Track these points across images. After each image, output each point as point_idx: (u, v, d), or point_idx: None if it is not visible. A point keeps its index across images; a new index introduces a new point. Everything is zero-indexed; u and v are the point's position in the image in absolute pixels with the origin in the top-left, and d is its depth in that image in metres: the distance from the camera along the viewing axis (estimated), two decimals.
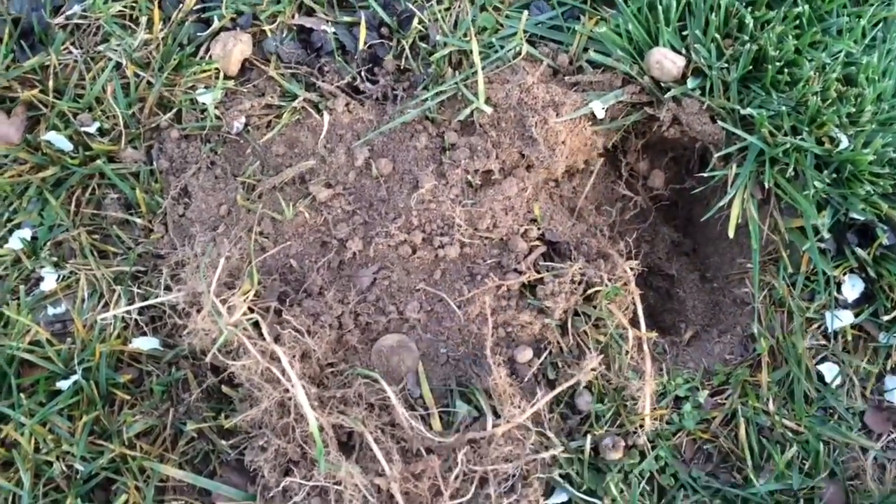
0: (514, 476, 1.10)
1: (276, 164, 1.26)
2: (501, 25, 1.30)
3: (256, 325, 1.11)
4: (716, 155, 1.20)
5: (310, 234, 1.24)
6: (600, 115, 1.21)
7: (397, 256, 1.22)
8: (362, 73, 1.30)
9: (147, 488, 1.10)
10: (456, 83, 1.25)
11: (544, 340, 1.19)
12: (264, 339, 1.09)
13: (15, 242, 1.18)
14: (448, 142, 1.25)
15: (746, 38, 1.19)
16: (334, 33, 1.30)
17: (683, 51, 1.22)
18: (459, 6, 1.32)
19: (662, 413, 1.16)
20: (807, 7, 1.22)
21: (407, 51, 1.29)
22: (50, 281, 1.18)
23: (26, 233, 1.19)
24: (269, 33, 1.31)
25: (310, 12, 1.33)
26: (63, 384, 1.13)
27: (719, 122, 1.20)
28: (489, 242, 1.22)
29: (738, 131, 1.18)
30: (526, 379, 1.16)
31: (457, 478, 1.07)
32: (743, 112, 1.18)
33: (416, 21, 1.29)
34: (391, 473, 1.05)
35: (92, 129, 1.22)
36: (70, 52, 1.27)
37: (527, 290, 1.20)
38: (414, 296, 1.21)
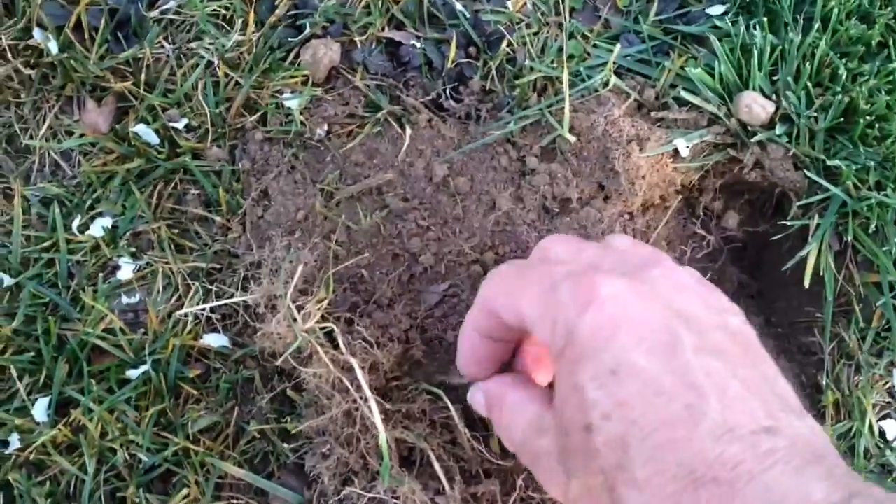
0: None
1: (355, 173, 1.27)
2: (589, 55, 1.31)
3: (328, 333, 1.12)
4: (796, 203, 1.20)
5: (383, 246, 1.25)
6: (684, 153, 1.21)
7: (468, 275, 1.23)
8: (447, 91, 1.31)
9: (207, 484, 1.11)
10: (541, 109, 1.25)
11: None
12: (336, 348, 1.10)
13: (96, 230, 1.20)
14: (528, 166, 1.25)
15: (838, 88, 1.19)
16: (423, 49, 1.31)
17: (773, 97, 1.21)
18: (548, 31, 1.33)
19: None
20: None
21: (493, 72, 1.30)
22: (127, 270, 1.20)
23: (107, 221, 1.21)
24: (358, 44, 1.32)
25: (400, 26, 1.34)
26: (132, 373, 1.14)
27: (803, 171, 1.19)
28: None
29: (823, 181, 1.17)
30: None
31: (514, 503, 1.07)
32: (828, 163, 1.18)
33: (504, 44, 1.30)
34: (451, 493, 1.05)
35: (180, 125, 1.24)
36: (163, 47, 1.29)
37: None
38: None
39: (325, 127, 1.28)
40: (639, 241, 0.93)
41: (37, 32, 1.26)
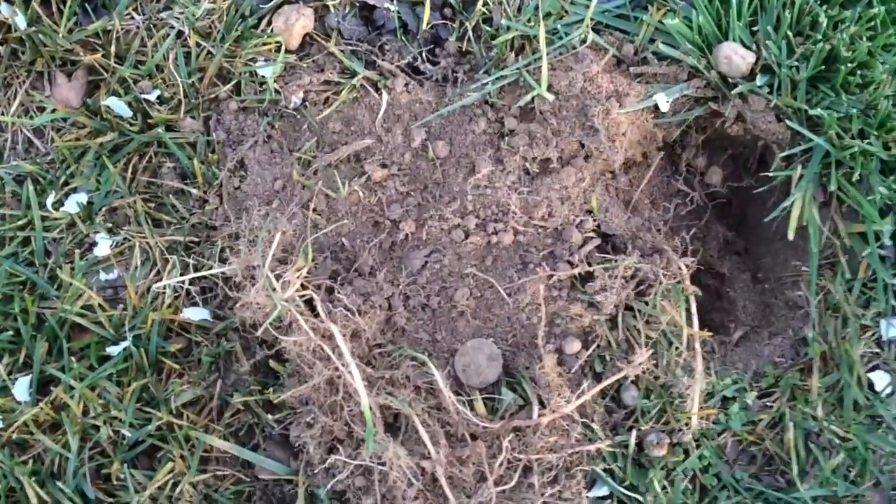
0: (557, 466, 1.10)
1: (332, 141, 1.26)
2: (566, 12, 1.28)
3: (308, 301, 1.11)
4: (779, 155, 1.18)
5: (363, 214, 1.23)
6: (664, 108, 1.19)
7: (450, 240, 1.21)
8: (423, 54, 1.28)
9: (192, 458, 1.11)
10: (518, 69, 1.23)
11: (593, 333, 1.18)
12: (317, 317, 1.09)
13: (71, 206, 1.19)
14: (507, 127, 1.23)
15: (819, 36, 1.17)
16: (397, 11, 1.28)
17: (753, 47, 1.19)
18: None
19: (709, 413, 1.15)
20: (882, 8, 1.19)
21: (470, 33, 1.27)
22: (104, 246, 1.18)
23: (82, 197, 1.20)
24: (331, 9, 1.29)
25: None
26: (113, 350, 1.14)
27: (785, 122, 1.17)
28: (543, 231, 1.21)
29: (805, 131, 1.15)
30: (573, 370, 1.16)
31: (501, 465, 1.07)
32: (811, 112, 1.16)
33: (480, 3, 1.27)
34: (437, 457, 1.05)
35: (152, 97, 1.22)
36: (132, 18, 1.27)
37: (578, 281, 1.19)
38: (464, 281, 1.20)
39: (301, 95, 1.26)
40: None
41: (3, 7, 1.24)
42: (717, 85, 1.20)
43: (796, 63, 1.17)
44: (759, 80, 1.17)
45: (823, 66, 1.16)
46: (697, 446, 1.14)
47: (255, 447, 1.15)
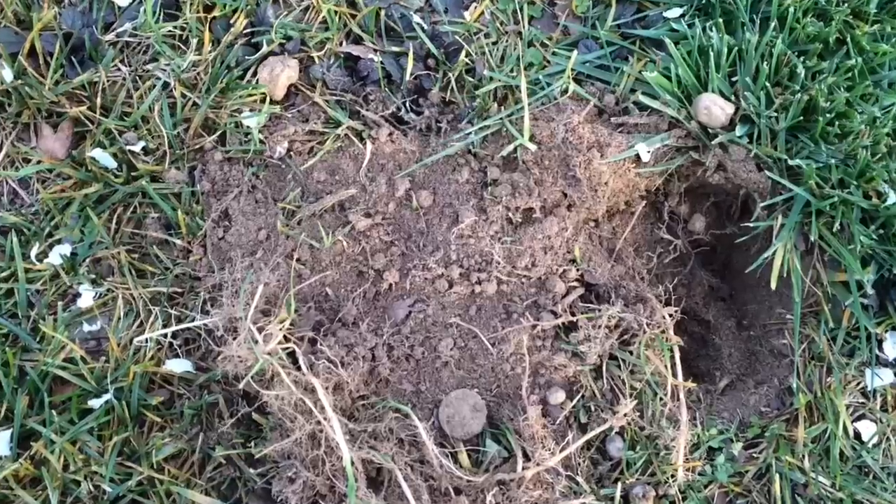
0: None
1: (317, 190, 1.26)
2: (548, 62, 1.30)
3: (291, 354, 1.11)
4: (760, 204, 1.19)
5: (347, 263, 1.23)
6: (645, 158, 1.20)
7: (434, 290, 1.21)
8: (407, 104, 1.30)
9: None
10: (501, 119, 1.24)
11: (577, 383, 1.17)
12: (299, 370, 1.08)
13: (55, 258, 1.19)
14: (490, 177, 1.24)
15: (797, 87, 1.18)
16: (381, 62, 1.30)
17: (732, 98, 1.21)
18: (507, 40, 1.32)
19: (695, 465, 1.14)
20: (859, 59, 1.21)
21: (453, 83, 1.29)
22: (87, 298, 1.18)
23: (66, 248, 1.20)
24: (316, 60, 1.31)
25: (357, 40, 1.33)
26: (95, 403, 1.13)
27: (766, 172, 1.18)
28: (527, 281, 1.21)
29: (785, 182, 1.16)
30: (557, 421, 1.15)
31: None
32: (790, 162, 1.17)
33: (463, 54, 1.29)
34: None
35: (137, 148, 1.23)
36: (119, 70, 1.28)
37: (562, 331, 1.19)
38: (448, 331, 1.20)
39: (286, 145, 1.27)
40: None
41: None
42: (698, 135, 1.21)
43: (775, 113, 1.18)
44: (739, 130, 1.19)
45: (802, 117, 1.18)
46: (684, 499, 1.14)
47: (238, 502, 1.13)
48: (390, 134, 1.27)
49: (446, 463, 1.08)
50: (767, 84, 1.19)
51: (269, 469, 1.13)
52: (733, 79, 1.22)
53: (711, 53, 1.19)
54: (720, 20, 1.22)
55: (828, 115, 1.16)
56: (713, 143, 1.19)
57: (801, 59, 1.20)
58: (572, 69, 1.24)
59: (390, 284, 1.22)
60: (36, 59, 1.27)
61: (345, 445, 1.00)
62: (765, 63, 1.19)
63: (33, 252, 1.19)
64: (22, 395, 1.11)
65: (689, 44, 1.22)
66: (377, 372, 1.17)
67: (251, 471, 1.13)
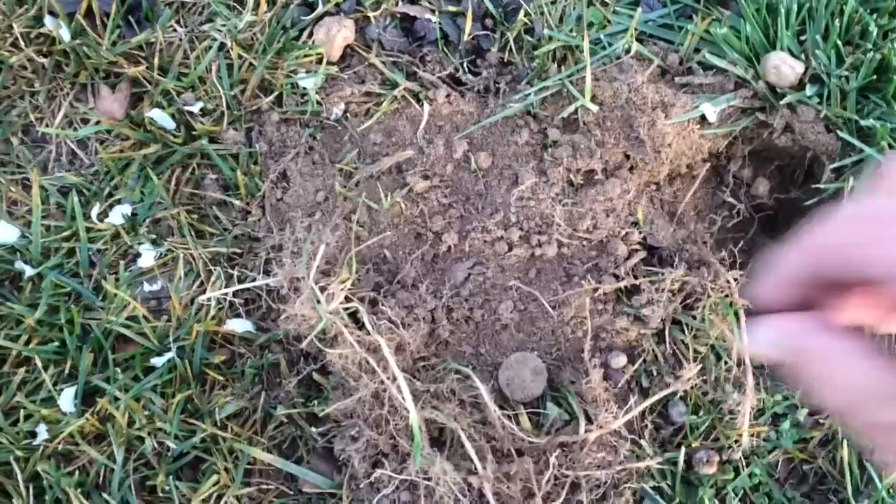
0: (605, 484, 1.08)
1: (374, 152, 1.25)
2: (609, 22, 1.27)
3: (352, 314, 1.10)
4: (829, 166, 1.16)
5: (405, 226, 1.22)
6: (711, 118, 1.17)
7: (493, 253, 1.20)
8: (465, 65, 1.28)
9: (236, 470, 1.10)
10: (561, 79, 1.22)
11: (639, 347, 1.16)
12: (361, 329, 1.08)
13: (116, 217, 1.19)
14: (550, 138, 1.22)
15: (869, 46, 1.15)
16: (438, 22, 1.28)
17: (802, 56, 1.17)
18: (566, 0, 1.30)
19: (760, 430, 1.13)
20: None
21: (511, 43, 1.27)
22: (148, 258, 1.18)
23: (126, 209, 1.20)
24: (372, 20, 1.29)
25: (414, 0, 1.31)
26: (157, 361, 1.13)
27: (835, 132, 1.15)
28: (588, 244, 1.20)
29: (856, 142, 1.13)
30: (619, 385, 1.14)
31: (548, 481, 1.05)
32: (861, 123, 1.14)
33: (521, 13, 1.26)
34: (484, 473, 1.03)
35: (195, 109, 1.22)
36: (175, 30, 1.27)
37: (624, 295, 1.18)
38: (508, 294, 1.19)
39: (342, 106, 1.26)
40: None
41: (48, 20, 1.25)
42: (765, 95, 1.18)
43: (846, 73, 1.15)
44: (809, 90, 1.16)
45: (874, 76, 1.14)
46: (748, 464, 1.12)
47: (299, 460, 1.14)
48: (448, 95, 1.26)
49: (509, 424, 1.07)
50: (838, 42, 1.15)
51: (331, 428, 1.13)
52: (802, 37, 1.19)
53: (781, 10, 1.16)
54: None
55: None
56: (781, 103, 1.16)
57: (874, 16, 1.17)
58: (635, 28, 1.22)
59: (449, 247, 1.21)
60: (93, 20, 1.26)
61: (412, 405, 1.00)
62: (835, 21, 1.16)
63: (94, 212, 1.20)
64: (86, 353, 1.12)
65: (758, 1, 1.19)
66: (437, 334, 1.17)
67: (312, 429, 1.13)
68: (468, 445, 1.04)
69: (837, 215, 0.63)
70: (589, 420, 1.10)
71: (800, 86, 1.17)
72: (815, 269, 0.63)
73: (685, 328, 1.15)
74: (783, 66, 1.15)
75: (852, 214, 0.62)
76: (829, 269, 0.62)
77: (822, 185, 1.16)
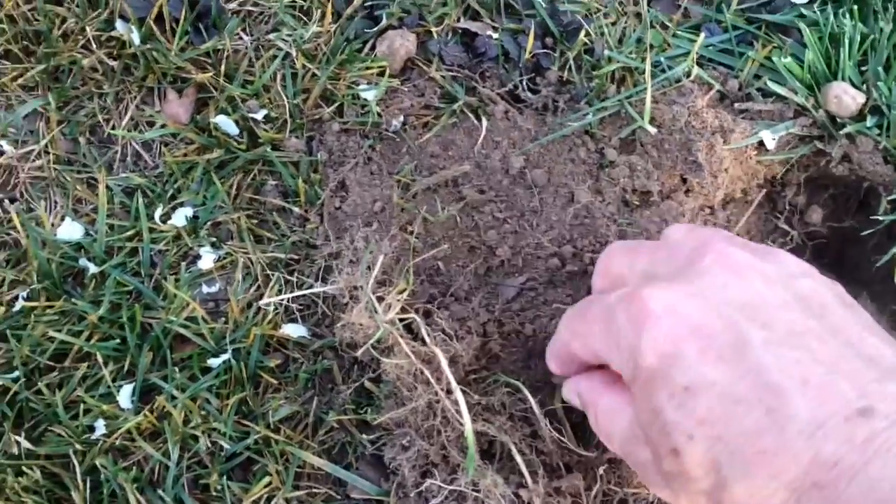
0: (652, 502, 1.09)
1: (430, 164, 1.27)
2: (669, 45, 1.28)
3: (408, 324, 1.12)
4: (886, 197, 1.17)
5: (459, 238, 1.24)
6: (770, 145, 1.18)
7: (546, 269, 1.21)
8: (524, 82, 1.29)
9: (287, 473, 1.12)
10: (620, 100, 1.23)
11: None
12: (417, 339, 1.10)
13: (178, 219, 1.22)
14: (607, 158, 1.24)
15: None
16: (499, 39, 1.30)
17: (863, 87, 1.18)
18: (627, 21, 1.31)
19: None
20: None
21: (571, 63, 1.28)
22: (207, 260, 1.21)
23: (188, 211, 1.23)
24: (434, 34, 1.31)
25: (476, 16, 1.33)
26: (214, 362, 1.16)
27: (893, 164, 1.16)
28: None
29: None
30: None
31: (596, 497, 1.06)
32: None
33: (582, 34, 1.28)
34: (535, 487, 1.05)
35: (259, 116, 1.25)
36: (241, 39, 1.30)
37: None
38: (559, 310, 1.20)
39: (401, 118, 1.28)
40: (695, 225, 0.91)
41: (119, 24, 1.28)
42: (824, 124, 1.19)
43: None
44: (869, 121, 1.16)
45: None
46: None
47: (348, 466, 1.15)
48: (506, 111, 1.27)
49: (559, 439, 1.08)
50: None
51: (380, 436, 1.15)
52: (863, 68, 1.19)
53: (844, 40, 1.17)
54: (853, 6, 1.20)
55: None
56: (841, 132, 1.17)
57: None
58: (695, 52, 1.23)
59: (502, 261, 1.22)
60: (163, 25, 1.29)
61: (467, 416, 1.01)
62: None
63: (157, 213, 1.22)
64: (145, 351, 1.14)
65: (820, 30, 1.20)
66: (488, 347, 1.18)
67: (363, 436, 1.15)
68: (519, 459, 1.06)
69: (569, 312, 0.89)
70: None
71: (860, 116, 1.17)
72: (569, 354, 0.90)
73: None
74: (844, 96, 1.16)
75: (572, 313, 0.87)
76: (573, 355, 0.87)
77: (879, 217, 1.16)
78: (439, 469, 1.10)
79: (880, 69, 1.17)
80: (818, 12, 1.22)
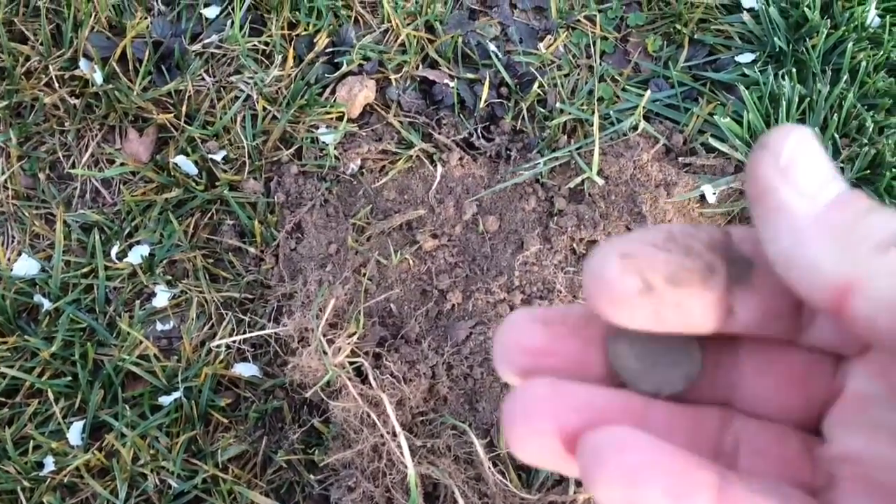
0: None
1: (386, 208, 1.30)
2: (618, 98, 1.33)
3: (357, 367, 1.15)
4: None
5: (412, 282, 1.27)
6: (711, 199, 1.23)
7: (495, 314, 1.25)
8: (478, 130, 1.33)
9: None
10: (570, 151, 1.28)
11: None
12: (364, 382, 1.12)
13: (134, 257, 1.23)
14: (556, 207, 1.28)
15: (865, 140, 1.21)
16: (456, 88, 1.34)
17: None
18: (579, 74, 1.36)
19: None
20: None
21: (524, 113, 1.33)
22: (162, 298, 1.22)
23: (145, 249, 1.24)
24: (393, 81, 1.35)
25: (434, 65, 1.37)
26: (165, 400, 1.17)
27: None
28: None
29: None
30: None
31: None
32: None
33: (536, 85, 1.32)
34: None
35: (218, 157, 1.27)
36: (203, 80, 1.33)
37: None
38: None
39: (359, 162, 1.31)
40: None
41: (83, 63, 1.30)
42: None
43: (842, 164, 1.21)
44: None
45: (868, 170, 1.20)
46: None
47: None
48: (461, 158, 1.31)
49: (502, 481, 1.11)
50: (835, 135, 1.21)
51: (328, 476, 1.17)
52: None
53: (783, 101, 1.22)
54: (792, 69, 1.25)
55: (894, 170, 1.19)
56: None
57: (871, 113, 1.23)
58: (643, 107, 1.28)
59: (453, 305, 1.25)
60: (126, 65, 1.32)
61: (410, 461, 1.04)
62: (834, 114, 1.22)
63: (114, 251, 1.24)
64: (97, 388, 1.16)
65: (761, 90, 1.25)
66: (436, 389, 1.21)
67: (311, 476, 1.16)
68: (461, 502, 1.08)
69: None
70: (578, 483, 1.14)
71: None
72: None
73: None
74: None
75: None
76: None
77: None
78: None
79: (817, 129, 1.22)
80: (759, 73, 1.27)
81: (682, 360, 0.29)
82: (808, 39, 1.28)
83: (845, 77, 1.24)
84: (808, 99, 1.24)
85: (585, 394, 0.28)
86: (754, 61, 1.31)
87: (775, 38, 1.29)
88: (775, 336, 0.28)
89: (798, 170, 0.26)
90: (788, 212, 0.25)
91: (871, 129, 1.20)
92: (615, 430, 0.26)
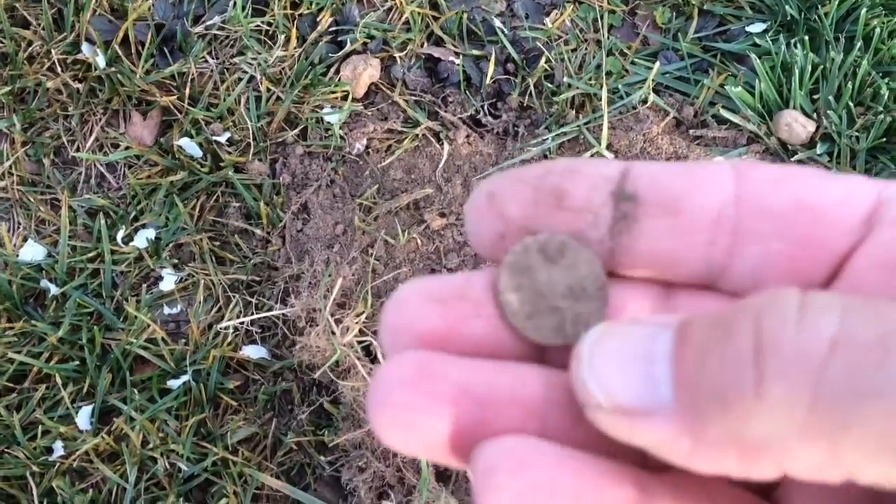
0: None
1: (393, 188, 1.29)
2: (627, 72, 1.31)
3: (365, 347, 1.13)
4: None
5: (420, 261, 1.26)
6: None
7: None
8: (485, 107, 1.32)
9: (245, 494, 1.12)
10: (578, 126, 1.26)
11: None
12: (374, 362, 1.11)
13: (140, 241, 1.22)
14: None
15: (880, 108, 1.18)
16: (461, 65, 1.32)
17: (814, 115, 1.21)
18: (587, 48, 1.34)
19: None
20: None
21: (531, 88, 1.31)
22: (169, 281, 1.22)
23: (151, 233, 1.23)
24: (398, 60, 1.33)
25: (439, 42, 1.35)
26: (173, 383, 1.16)
27: None
28: None
29: None
30: None
31: None
32: None
33: (542, 60, 1.30)
34: None
35: (222, 139, 1.26)
36: (207, 62, 1.31)
37: None
38: None
39: (364, 142, 1.30)
40: None
41: (85, 47, 1.29)
42: (776, 151, 1.21)
43: (856, 133, 1.18)
44: (819, 148, 1.19)
45: (884, 138, 1.18)
46: None
47: (306, 487, 1.16)
48: (468, 136, 1.29)
49: None
50: (850, 103, 1.19)
51: (339, 458, 1.16)
52: (815, 97, 1.22)
53: (795, 70, 1.20)
54: (805, 37, 1.23)
55: None
56: (792, 159, 1.19)
57: (885, 80, 1.20)
58: (652, 79, 1.25)
59: None
60: (128, 48, 1.31)
61: None
62: (848, 82, 1.19)
63: (119, 235, 1.23)
64: (105, 372, 1.15)
65: (773, 60, 1.22)
66: None
67: (321, 458, 1.15)
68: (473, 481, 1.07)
69: None
70: None
71: (811, 144, 1.20)
72: None
73: None
74: (795, 124, 1.19)
75: None
76: None
77: None
78: (395, 490, 1.11)
79: (831, 98, 1.20)
80: (771, 42, 1.25)
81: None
82: (820, 7, 1.25)
83: (859, 44, 1.21)
84: (822, 67, 1.22)
85: (467, 374, 0.22)
86: (766, 31, 1.29)
87: (787, 7, 1.27)
88: (686, 281, 0.24)
89: None
90: None
91: (886, 97, 1.18)
92: (510, 442, 0.21)
